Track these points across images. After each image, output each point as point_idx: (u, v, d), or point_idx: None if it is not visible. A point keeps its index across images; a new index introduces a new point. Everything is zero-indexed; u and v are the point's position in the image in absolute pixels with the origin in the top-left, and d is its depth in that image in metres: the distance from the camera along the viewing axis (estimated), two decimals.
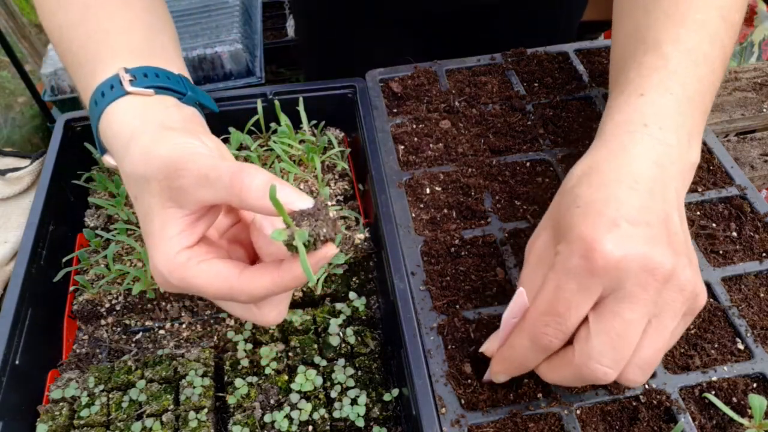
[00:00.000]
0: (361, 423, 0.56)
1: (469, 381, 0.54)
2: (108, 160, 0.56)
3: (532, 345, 0.46)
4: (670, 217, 0.46)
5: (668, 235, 0.45)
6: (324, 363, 0.59)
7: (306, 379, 0.58)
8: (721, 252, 0.63)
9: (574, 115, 0.77)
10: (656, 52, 0.53)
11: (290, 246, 0.39)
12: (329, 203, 0.70)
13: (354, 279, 0.67)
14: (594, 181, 0.47)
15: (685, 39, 0.54)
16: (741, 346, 0.56)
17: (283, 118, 0.75)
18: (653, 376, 0.54)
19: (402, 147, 0.73)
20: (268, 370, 0.59)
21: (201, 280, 0.43)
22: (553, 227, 0.49)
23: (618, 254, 0.42)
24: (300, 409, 0.56)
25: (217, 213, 0.47)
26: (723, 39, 0.55)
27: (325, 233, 0.39)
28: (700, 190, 0.68)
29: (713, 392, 0.53)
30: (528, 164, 0.71)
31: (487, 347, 0.52)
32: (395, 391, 0.57)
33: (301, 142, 0.76)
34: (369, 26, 0.98)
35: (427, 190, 0.69)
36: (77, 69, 0.59)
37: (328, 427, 0.56)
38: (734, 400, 0.53)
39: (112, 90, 0.53)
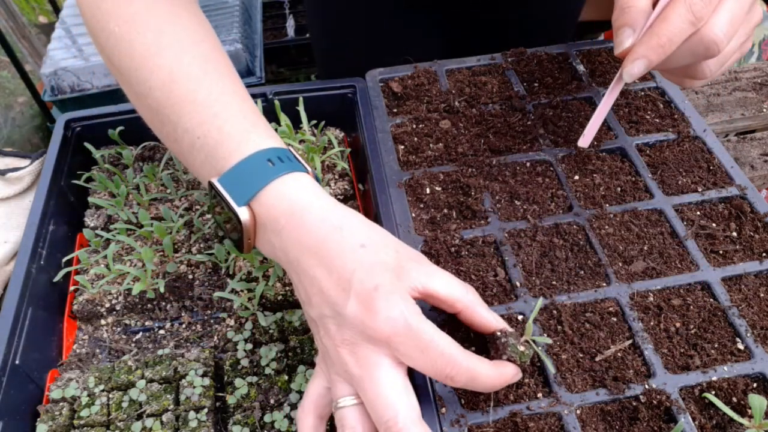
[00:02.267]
0: None
1: None
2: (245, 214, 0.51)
3: (687, 13, 0.51)
4: None
5: None
6: None
7: (306, 379, 0.58)
8: (721, 252, 0.63)
9: (574, 115, 0.77)
10: None
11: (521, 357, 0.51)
12: None
13: None
14: None
15: None
16: (741, 346, 0.56)
17: (283, 118, 0.75)
18: (653, 376, 0.54)
19: (402, 147, 0.73)
20: (268, 370, 0.59)
21: None
22: None
23: None
24: None
25: None
26: None
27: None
28: (700, 190, 0.68)
29: (713, 392, 0.53)
30: (528, 164, 0.71)
31: (624, 44, 0.55)
32: None
33: (301, 141, 0.76)
34: (387, 15, 0.98)
35: (427, 190, 0.69)
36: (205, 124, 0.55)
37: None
38: (734, 400, 0.53)
39: (281, 161, 0.52)
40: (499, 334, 0.51)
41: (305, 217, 0.49)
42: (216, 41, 0.60)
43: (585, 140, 0.62)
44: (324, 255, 0.48)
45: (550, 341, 0.52)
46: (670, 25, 0.52)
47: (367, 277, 0.46)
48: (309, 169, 0.54)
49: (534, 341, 0.52)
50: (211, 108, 0.54)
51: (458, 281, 0.51)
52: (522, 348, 0.51)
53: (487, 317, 0.51)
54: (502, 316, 0.58)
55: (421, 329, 0.46)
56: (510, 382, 0.50)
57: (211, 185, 0.52)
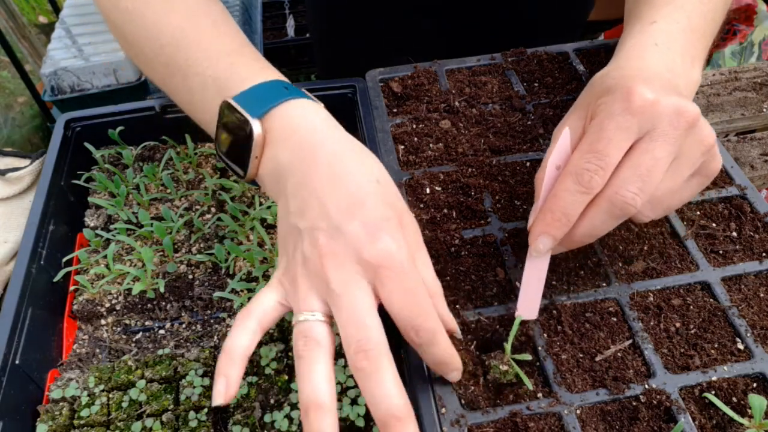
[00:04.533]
0: (361, 423, 0.56)
1: (470, 380, 0.54)
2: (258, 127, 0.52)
3: (575, 185, 0.48)
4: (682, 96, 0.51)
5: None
6: None
7: None
8: (721, 252, 0.63)
9: None
10: None
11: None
12: None
13: None
14: (623, 72, 0.54)
15: None
16: (741, 346, 0.56)
17: None
18: (653, 375, 0.54)
19: (402, 147, 0.73)
20: (268, 370, 0.59)
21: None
22: (585, 106, 0.54)
23: (654, 97, 0.48)
24: (300, 409, 0.56)
25: None
26: None
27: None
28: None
29: (713, 392, 0.53)
30: (528, 164, 0.71)
31: (530, 220, 0.52)
32: None
33: None
34: (388, 15, 0.99)
35: (427, 190, 0.69)
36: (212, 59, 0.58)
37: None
38: (734, 400, 0.53)
39: (297, 90, 0.55)
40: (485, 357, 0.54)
41: (326, 136, 0.51)
42: (224, 10, 0.63)
43: (523, 311, 0.54)
44: (338, 173, 0.49)
45: (530, 358, 0.52)
46: (560, 200, 0.49)
47: (377, 208, 0.47)
48: (318, 102, 0.57)
49: (515, 360, 0.53)
50: (223, 53, 0.57)
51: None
52: (504, 368, 0.52)
53: (445, 314, 0.51)
54: (501, 316, 0.58)
55: (412, 271, 0.47)
56: (450, 370, 0.50)
57: (223, 108, 0.53)
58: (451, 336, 0.51)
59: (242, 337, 0.46)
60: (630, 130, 0.48)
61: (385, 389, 0.43)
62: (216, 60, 0.57)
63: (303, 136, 0.51)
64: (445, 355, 0.48)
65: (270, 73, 0.57)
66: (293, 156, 0.50)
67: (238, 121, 0.52)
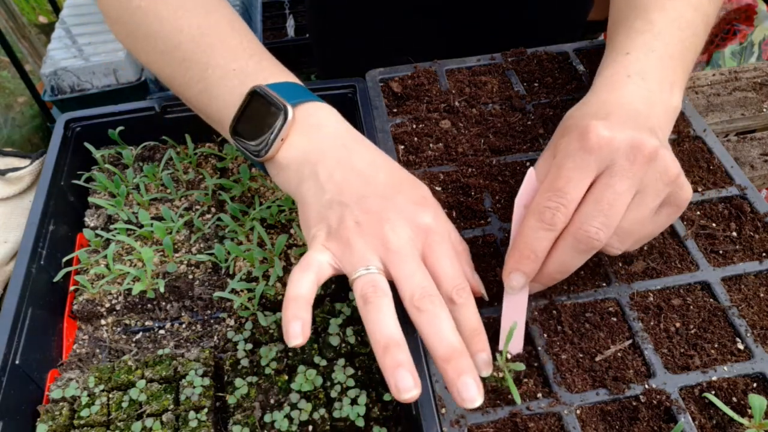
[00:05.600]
0: (361, 423, 0.56)
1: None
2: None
3: (537, 223, 0.50)
4: (655, 130, 0.53)
5: (657, 136, 0.51)
6: (324, 363, 0.59)
7: (306, 379, 0.58)
8: (721, 252, 0.63)
9: None
10: (644, 18, 0.61)
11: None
12: None
13: None
14: (586, 109, 0.55)
15: (670, 7, 0.62)
16: (741, 346, 0.56)
17: None
18: (653, 375, 0.54)
19: (402, 147, 0.73)
20: (268, 370, 0.59)
21: None
22: (552, 146, 0.55)
23: (609, 134, 0.49)
24: (300, 409, 0.56)
25: None
26: (706, 7, 0.64)
27: None
28: (700, 190, 0.68)
29: (713, 392, 0.53)
30: (528, 164, 0.71)
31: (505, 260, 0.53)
32: None
33: None
34: (388, 15, 0.98)
35: None
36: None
37: (328, 427, 0.56)
38: (734, 400, 0.53)
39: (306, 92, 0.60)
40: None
41: (352, 133, 0.58)
42: (234, 11, 0.66)
43: (510, 346, 0.54)
44: (374, 160, 0.55)
45: (523, 367, 0.53)
46: (525, 238, 0.50)
47: (414, 188, 0.55)
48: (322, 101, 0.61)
49: (509, 368, 0.53)
50: (247, 50, 0.62)
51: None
52: (500, 374, 0.53)
53: (473, 279, 0.56)
54: (501, 316, 0.58)
55: (460, 241, 0.55)
56: (480, 349, 0.51)
57: (251, 92, 0.57)
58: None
59: (305, 286, 0.49)
60: (588, 168, 0.49)
61: (447, 330, 0.48)
62: (239, 55, 0.61)
63: (332, 130, 0.57)
64: (478, 319, 0.51)
65: (292, 77, 0.62)
66: (324, 144, 0.55)
67: (268, 105, 0.56)
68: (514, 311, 0.54)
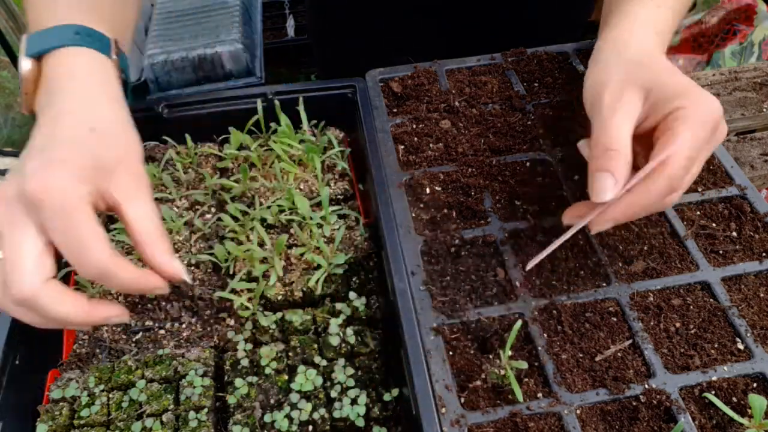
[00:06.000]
0: (361, 423, 0.56)
1: (470, 381, 0.54)
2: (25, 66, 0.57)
3: (665, 189, 0.53)
4: None
5: None
6: (324, 363, 0.59)
7: (306, 379, 0.58)
8: (721, 252, 0.63)
9: (574, 115, 0.77)
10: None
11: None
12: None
13: (354, 279, 0.67)
14: (677, 77, 0.58)
15: None
16: (741, 346, 0.56)
17: (283, 118, 0.75)
18: (653, 375, 0.54)
19: (402, 147, 0.73)
20: (268, 370, 0.59)
21: None
22: (642, 89, 0.57)
23: (722, 126, 0.55)
24: (300, 409, 0.56)
25: None
26: None
27: None
28: (700, 190, 0.68)
29: (713, 392, 0.53)
30: (528, 164, 0.71)
31: (604, 191, 0.54)
32: (395, 391, 0.57)
33: (301, 141, 0.76)
34: (388, 15, 0.98)
35: (427, 190, 0.69)
36: None
37: (328, 427, 0.56)
38: (734, 400, 0.53)
39: (89, 37, 0.57)
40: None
41: (74, 85, 0.55)
42: None
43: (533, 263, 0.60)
44: (56, 119, 0.52)
45: (526, 366, 0.53)
46: (649, 199, 0.53)
47: (62, 150, 0.50)
48: (113, 56, 0.59)
49: (511, 366, 0.54)
50: None
51: (155, 215, 0.53)
52: (501, 372, 0.53)
53: (162, 263, 0.52)
54: (501, 316, 0.58)
55: (76, 211, 0.48)
56: (150, 290, 0.52)
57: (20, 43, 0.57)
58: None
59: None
60: (711, 142, 0.55)
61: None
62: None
63: (57, 82, 0.55)
64: (125, 283, 0.50)
65: (83, 17, 0.58)
66: (43, 100, 0.55)
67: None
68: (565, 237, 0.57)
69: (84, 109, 0.53)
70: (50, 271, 0.49)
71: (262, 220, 0.71)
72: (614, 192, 0.53)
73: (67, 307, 0.49)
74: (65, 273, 0.67)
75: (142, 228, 0.51)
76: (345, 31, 1.05)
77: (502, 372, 0.53)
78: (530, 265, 0.60)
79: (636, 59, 0.60)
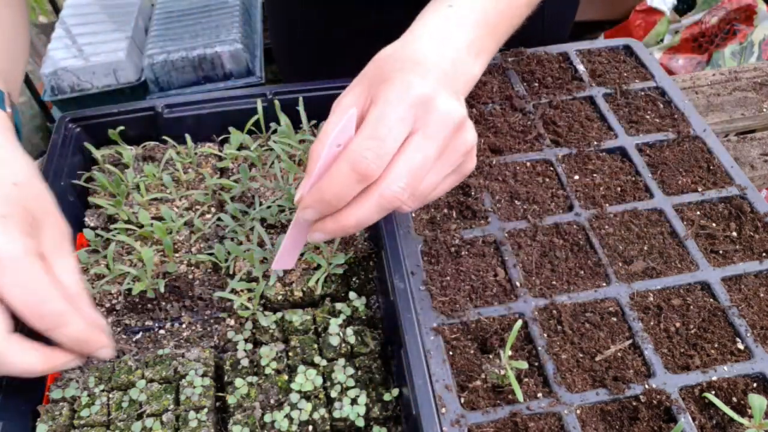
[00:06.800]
0: (361, 423, 0.56)
1: (470, 381, 0.54)
2: None
3: (351, 172, 0.48)
4: (459, 95, 0.54)
5: (462, 104, 0.53)
6: (324, 363, 0.59)
7: (306, 379, 0.58)
8: (721, 252, 0.63)
9: (574, 115, 0.77)
10: None
11: None
12: None
13: (354, 279, 0.67)
14: (406, 57, 0.53)
15: None
16: (741, 346, 0.56)
17: (283, 118, 0.75)
18: (653, 375, 0.54)
19: None
20: (268, 370, 0.59)
21: None
22: (367, 86, 0.53)
23: (430, 92, 0.50)
24: (300, 409, 0.56)
25: None
26: None
27: None
28: (700, 189, 0.68)
29: (713, 392, 0.53)
30: (528, 164, 0.71)
31: (300, 191, 0.52)
32: (395, 391, 0.57)
33: (301, 141, 0.76)
34: (341, 16, 0.98)
35: None
36: None
37: (328, 427, 0.56)
38: (734, 399, 0.53)
39: None
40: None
41: None
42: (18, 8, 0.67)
43: (280, 265, 0.58)
44: None
45: (526, 366, 0.53)
46: (333, 184, 0.49)
47: None
48: (7, 109, 0.59)
49: (511, 366, 0.53)
50: None
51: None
52: (501, 372, 0.53)
53: (89, 316, 0.54)
54: (501, 316, 0.58)
55: (28, 264, 0.49)
56: (95, 348, 0.53)
57: None
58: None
59: None
60: (408, 122, 0.49)
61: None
62: None
63: None
64: (77, 333, 0.51)
65: None
66: None
67: None
68: (299, 235, 0.55)
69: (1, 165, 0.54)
70: (9, 326, 0.49)
71: (262, 220, 0.71)
72: (305, 188, 0.51)
73: (33, 358, 0.50)
74: None
75: (70, 283, 0.53)
76: (300, 33, 1.04)
77: (502, 372, 0.53)
78: (275, 266, 0.57)
79: (387, 52, 0.56)
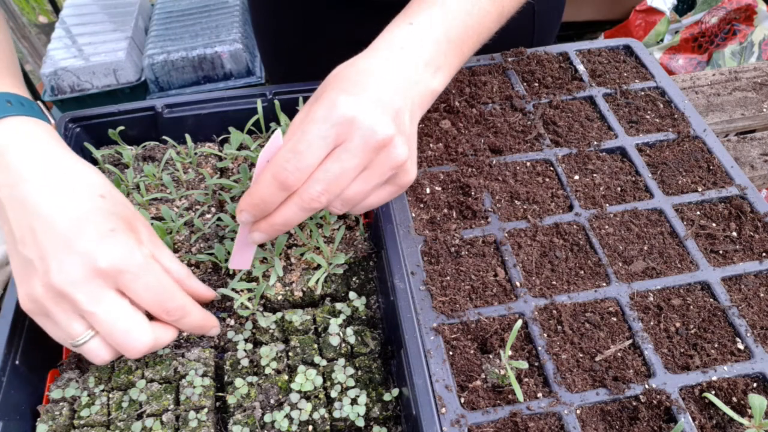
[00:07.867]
0: (361, 423, 0.56)
1: (470, 381, 0.54)
2: None
3: (273, 180, 0.53)
4: (402, 111, 0.56)
5: (398, 121, 0.55)
6: (324, 363, 0.59)
7: (306, 379, 0.58)
8: (721, 252, 0.63)
9: (574, 114, 0.77)
10: None
11: None
12: None
13: (354, 279, 0.67)
14: (347, 76, 0.56)
15: None
16: (741, 346, 0.56)
17: (283, 118, 0.75)
18: (653, 375, 0.54)
19: None
20: (268, 370, 0.59)
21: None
22: (310, 104, 0.57)
23: (353, 114, 0.52)
24: (300, 409, 0.56)
25: None
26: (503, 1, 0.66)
27: None
28: (700, 189, 0.68)
29: (713, 392, 0.53)
30: (528, 164, 0.71)
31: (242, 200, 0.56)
32: (395, 391, 0.57)
33: None
34: (326, 13, 0.98)
35: (427, 190, 0.69)
36: None
37: (328, 427, 0.56)
38: (734, 399, 0.53)
39: (22, 105, 0.57)
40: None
41: (40, 157, 0.54)
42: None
43: (237, 264, 0.63)
44: (56, 195, 0.52)
45: (526, 366, 0.53)
46: (259, 190, 0.54)
47: (102, 222, 0.52)
48: (52, 122, 0.60)
49: (511, 366, 0.54)
50: None
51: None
52: (501, 372, 0.53)
53: (199, 289, 0.61)
54: (501, 316, 0.58)
55: (150, 266, 0.53)
56: (208, 329, 0.59)
57: None
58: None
59: None
60: (328, 138, 0.52)
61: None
62: None
63: (12, 158, 0.53)
64: (198, 321, 0.57)
65: (3, 82, 0.58)
66: (11, 176, 0.52)
67: None
68: (244, 236, 0.59)
69: (79, 179, 0.55)
70: (145, 315, 0.54)
71: None
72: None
73: (171, 332, 0.56)
74: None
75: (177, 269, 0.58)
76: (283, 31, 1.04)
77: (502, 372, 0.53)
78: (231, 265, 0.62)
79: (339, 69, 0.59)
